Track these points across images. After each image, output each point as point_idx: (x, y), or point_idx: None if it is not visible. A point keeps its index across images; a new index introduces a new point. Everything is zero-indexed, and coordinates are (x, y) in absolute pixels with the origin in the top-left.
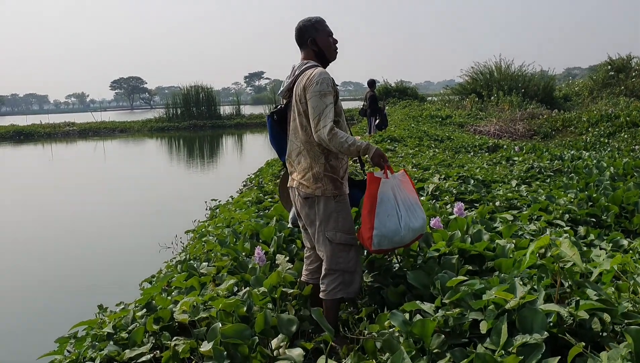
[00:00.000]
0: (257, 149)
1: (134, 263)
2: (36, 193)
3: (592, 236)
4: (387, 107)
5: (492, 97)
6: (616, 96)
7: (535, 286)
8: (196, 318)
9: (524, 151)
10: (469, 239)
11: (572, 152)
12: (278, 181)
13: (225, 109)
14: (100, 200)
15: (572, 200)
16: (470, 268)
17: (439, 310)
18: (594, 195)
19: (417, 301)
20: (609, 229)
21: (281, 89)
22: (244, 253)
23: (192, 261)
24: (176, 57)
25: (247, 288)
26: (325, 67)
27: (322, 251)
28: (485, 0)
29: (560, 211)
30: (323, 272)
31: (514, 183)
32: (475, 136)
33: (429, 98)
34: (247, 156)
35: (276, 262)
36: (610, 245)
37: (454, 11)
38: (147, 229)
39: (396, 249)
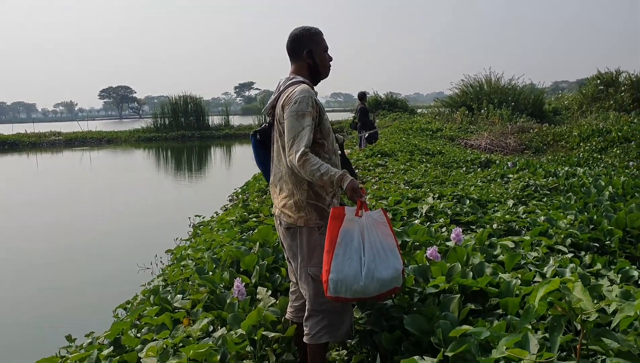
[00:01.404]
0: (245, 161)
1: (112, 283)
2: (12, 205)
3: (598, 265)
4: (377, 121)
5: (483, 111)
6: (606, 110)
7: (547, 335)
8: None
9: (517, 167)
10: (470, 273)
11: (567, 168)
12: (264, 197)
13: (214, 120)
14: (81, 213)
15: (572, 222)
16: (472, 307)
17: None
18: (595, 217)
19: (416, 357)
20: (613, 255)
21: (265, 108)
22: (222, 285)
23: (167, 291)
24: (166, 67)
25: (222, 331)
26: (315, 84)
27: (304, 289)
28: (474, 13)
29: (562, 236)
30: (306, 313)
31: (510, 202)
32: (467, 151)
33: (419, 110)
34: (234, 168)
35: (257, 296)
36: (619, 275)
37: (444, 23)
38: (128, 246)
39: (358, 300)
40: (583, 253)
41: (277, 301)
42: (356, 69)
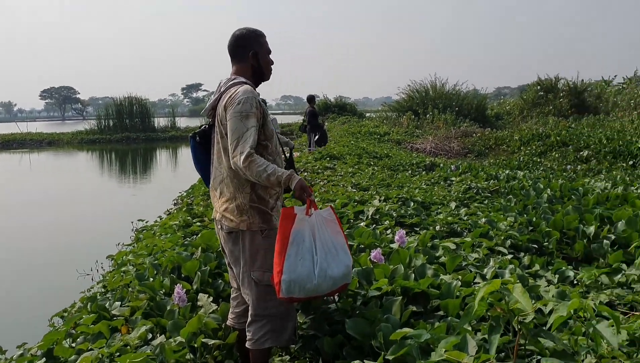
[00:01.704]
0: (192, 164)
1: (50, 291)
2: None
3: (536, 266)
4: (326, 124)
5: (428, 115)
6: (545, 116)
7: (486, 337)
8: None
9: (460, 171)
10: (413, 275)
11: (507, 171)
12: (209, 201)
13: (160, 121)
14: (19, 218)
15: (512, 224)
16: (414, 309)
17: None
18: (534, 219)
19: (357, 361)
20: (551, 256)
21: (205, 107)
22: (162, 291)
23: (106, 298)
24: (111, 68)
25: (161, 338)
26: (256, 86)
27: (247, 295)
28: (421, 20)
29: (502, 237)
30: (249, 318)
31: (453, 204)
32: (413, 154)
33: (368, 114)
34: (181, 170)
35: (198, 303)
36: (557, 276)
37: (391, 30)
38: (68, 252)
39: (311, 299)
40: (522, 254)
41: (219, 308)
42: (307, 72)
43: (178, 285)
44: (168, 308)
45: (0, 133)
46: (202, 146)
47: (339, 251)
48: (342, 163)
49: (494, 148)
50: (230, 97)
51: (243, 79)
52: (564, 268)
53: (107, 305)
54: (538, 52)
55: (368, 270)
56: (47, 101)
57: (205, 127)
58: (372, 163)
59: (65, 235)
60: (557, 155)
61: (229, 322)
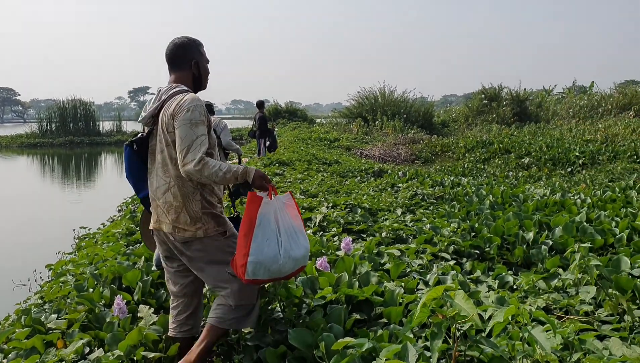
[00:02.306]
0: None
1: None
2: None
3: (478, 272)
4: (276, 129)
5: (377, 122)
6: (489, 123)
7: (427, 344)
8: None
9: (407, 177)
10: (357, 283)
11: (452, 178)
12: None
13: (106, 125)
14: None
15: (455, 230)
16: (358, 317)
17: None
18: (476, 225)
19: None
20: (492, 261)
21: (143, 115)
22: (102, 303)
23: (42, 310)
24: (55, 69)
25: (99, 352)
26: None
27: (225, 290)
28: (370, 30)
29: (445, 243)
30: (223, 308)
31: (399, 211)
32: (362, 160)
33: (318, 120)
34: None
35: (138, 315)
36: (497, 281)
37: (340, 37)
38: (5, 260)
39: (272, 281)
40: (465, 259)
41: (158, 319)
42: (258, 77)
43: (118, 296)
44: (107, 320)
45: None
46: (137, 155)
47: (299, 234)
48: (292, 169)
49: (440, 155)
50: (178, 105)
51: (185, 87)
52: (504, 273)
53: (42, 317)
54: (483, 61)
55: (313, 279)
56: None
57: (142, 135)
58: (321, 169)
59: (1, 242)
60: (499, 162)
61: (170, 333)
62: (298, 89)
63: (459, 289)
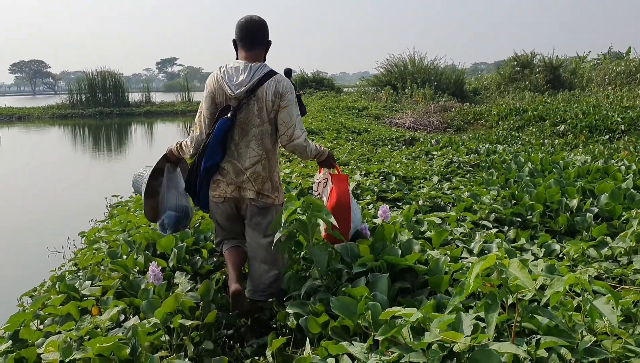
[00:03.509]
0: (168, 139)
1: (19, 269)
2: None
3: (522, 240)
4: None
5: (407, 90)
6: (522, 91)
7: (480, 315)
8: (67, 360)
9: (441, 145)
10: (399, 251)
11: (487, 145)
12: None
13: (135, 96)
14: None
15: (495, 198)
16: (401, 286)
17: (372, 353)
18: (517, 193)
19: (344, 343)
20: (535, 229)
21: (238, 90)
22: (136, 269)
23: (77, 277)
24: (84, 41)
25: (135, 320)
26: None
27: (269, 256)
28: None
29: (486, 211)
30: (274, 277)
31: (435, 179)
32: (392, 129)
33: (345, 89)
34: (157, 145)
35: (174, 281)
36: (542, 250)
37: (369, 4)
38: (40, 228)
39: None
40: (506, 227)
41: (197, 287)
42: (285, 48)
43: (153, 262)
44: (142, 287)
45: None
46: (230, 127)
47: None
48: (320, 138)
49: (472, 123)
50: (283, 85)
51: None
52: (549, 241)
53: (77, 284)
54: (514, 28)
55: (352, 246)
56: (17, 75)
57: (233, 108)
58: (350, 138)
59: (37, 211)
60: (534, 129)
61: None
62: (324, 59)
63: (514, 258)
